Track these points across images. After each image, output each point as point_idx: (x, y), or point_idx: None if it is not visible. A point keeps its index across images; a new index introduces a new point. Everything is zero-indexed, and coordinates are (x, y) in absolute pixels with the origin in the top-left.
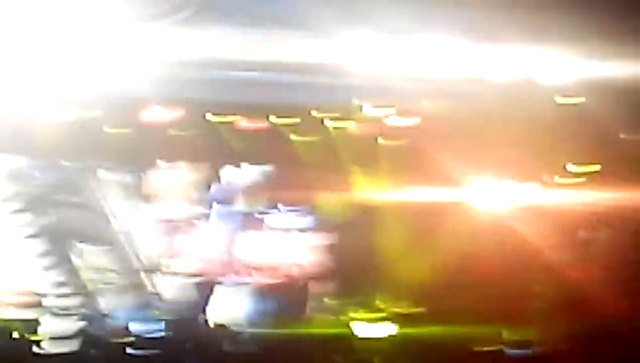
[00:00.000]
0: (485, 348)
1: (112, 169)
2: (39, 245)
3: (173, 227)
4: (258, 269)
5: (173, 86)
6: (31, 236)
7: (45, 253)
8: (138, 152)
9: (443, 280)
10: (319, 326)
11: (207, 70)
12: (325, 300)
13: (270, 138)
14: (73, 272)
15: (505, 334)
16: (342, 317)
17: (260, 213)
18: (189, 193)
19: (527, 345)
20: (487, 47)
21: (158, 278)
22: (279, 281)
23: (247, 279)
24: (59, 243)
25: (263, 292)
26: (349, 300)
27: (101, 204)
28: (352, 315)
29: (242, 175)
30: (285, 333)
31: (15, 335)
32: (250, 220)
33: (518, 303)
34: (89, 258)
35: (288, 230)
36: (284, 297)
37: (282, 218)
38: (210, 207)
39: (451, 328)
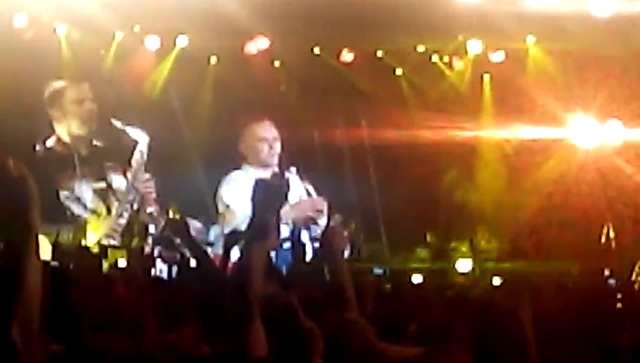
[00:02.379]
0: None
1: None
2: None
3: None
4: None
5: (281, 19)
6: None
7: None
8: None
9: (543, 218)
10: (423, 262)
11: (315, 4)
12: (428, 236)
13: (375, 72)
14: None
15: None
16: (443, 253)
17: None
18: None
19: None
20: None
21: None
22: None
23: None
24: None
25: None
26: (451, 237)
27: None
28: (453, 251)
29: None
30: (392, 268)
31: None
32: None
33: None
34: None
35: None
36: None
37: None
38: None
39: (552, 264)
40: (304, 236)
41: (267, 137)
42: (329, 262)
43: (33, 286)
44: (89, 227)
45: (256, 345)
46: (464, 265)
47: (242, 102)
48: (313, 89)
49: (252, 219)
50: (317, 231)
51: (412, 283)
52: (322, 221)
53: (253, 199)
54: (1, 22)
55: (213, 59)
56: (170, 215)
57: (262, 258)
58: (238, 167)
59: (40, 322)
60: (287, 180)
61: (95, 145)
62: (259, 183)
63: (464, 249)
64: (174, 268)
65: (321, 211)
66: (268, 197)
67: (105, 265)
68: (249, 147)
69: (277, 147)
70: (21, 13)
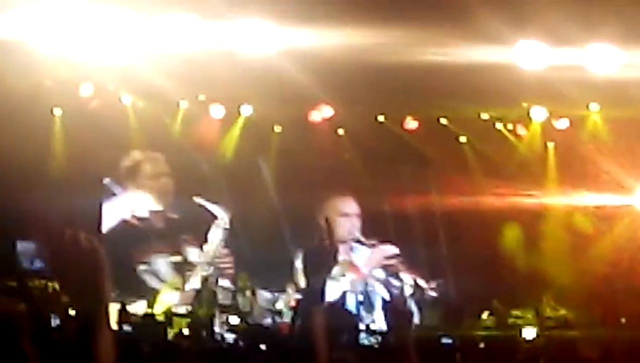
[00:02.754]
0: None
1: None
2: None
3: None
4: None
5: (344, 88)
6: None
7: None
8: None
9: (607, 287)
10: (489, 329)
11: (378, 73)
12: (495, 303)
13: (439, 140)
14: None
15: None
16: (509, 320)
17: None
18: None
19: None
20: None
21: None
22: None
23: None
24: None
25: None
26: (517, 304)
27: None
28: (518, 318)
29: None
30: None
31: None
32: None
33: None
34: None
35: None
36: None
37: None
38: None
39: (615, 334)
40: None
41: (349, 212)
42: (396, 331)
43: (105, 356)
44: (162, 299)
45: None
46: (529, 332)
47: (308, 172)
48: (377, 157)
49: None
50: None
51: (481, 350)
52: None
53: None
54: (68, 91)
55: (277, 128)
56: (240, 284)
57: (318, 321)
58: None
59: None
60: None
61: (171, 218)
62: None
63: (529, 316)
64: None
65: (392, 257)
66: (315, 263)
67: (170, 333)
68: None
69: (358, 223)
70: (87, 83)
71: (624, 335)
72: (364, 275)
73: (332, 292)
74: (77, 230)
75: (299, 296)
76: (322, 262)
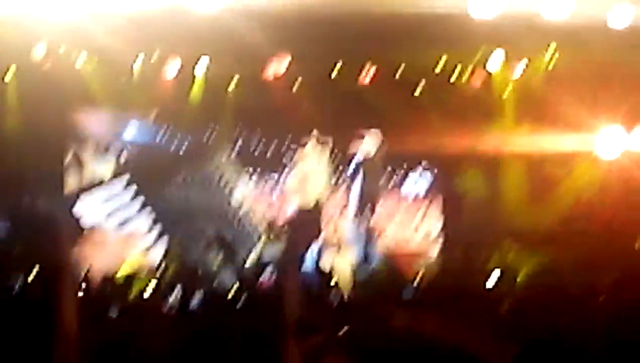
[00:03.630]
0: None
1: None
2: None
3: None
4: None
5: (297, 43)
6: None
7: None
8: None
9: (567, 229)
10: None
11: (332, 27)
12: (457, 250)
13: (395, 91)
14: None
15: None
16: (471, 266)
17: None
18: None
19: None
20: None
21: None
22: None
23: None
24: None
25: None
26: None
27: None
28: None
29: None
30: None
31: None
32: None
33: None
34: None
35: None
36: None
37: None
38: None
39: (573, 277)
40: None
41: None
42: None
43: (68, 318)
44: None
45: None
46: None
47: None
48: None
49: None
50: None
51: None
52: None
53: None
54: (21, 52)
55: (232, 85)
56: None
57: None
58: None
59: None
60: None
61: None
62: None
63: (491, 261)
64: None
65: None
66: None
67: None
68: None
69: None
70: (40, 44)
71: (583, 276)
72: None
73: None
74: (37, 195)
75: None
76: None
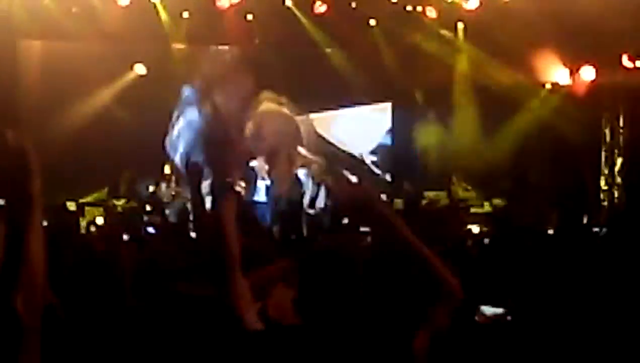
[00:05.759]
0: None
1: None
2: None
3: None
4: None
5: None
6: None
7: None
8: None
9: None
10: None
11: None
12: (405, 185)
13: (349, 23)
14: None
15: None
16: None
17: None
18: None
19: None
20: None
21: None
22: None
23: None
24: None
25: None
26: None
27: None
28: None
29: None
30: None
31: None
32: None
33: None
34: None
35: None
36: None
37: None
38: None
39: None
40: None
41: None
42: None
43: (37, 251)
44: None
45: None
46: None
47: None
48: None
49: None
50: None
51: None
52: None
53: None
54: None
55: (185, 14)
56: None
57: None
58: None
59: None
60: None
61: None
62: None
63: (442, 197)
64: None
65: None
66: None
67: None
68: None
69: None
70: None
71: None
72: None
73: None
74: (2, 129)
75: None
76: None
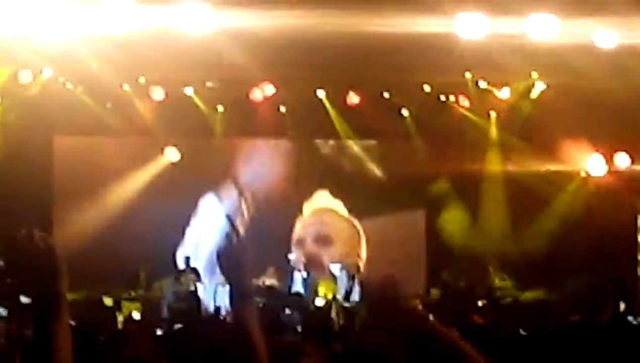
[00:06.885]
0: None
1: None
2: None
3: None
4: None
5: (283, 65)
6: None
7: None
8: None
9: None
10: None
11: (318, 49)
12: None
13: (382, 113)
14: None
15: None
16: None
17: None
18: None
19: None
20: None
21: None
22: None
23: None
24: None
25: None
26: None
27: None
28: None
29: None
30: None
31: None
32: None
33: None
34: None
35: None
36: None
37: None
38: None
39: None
40: None
41: None
42: None
43: (63, 349)
44: None
45: None
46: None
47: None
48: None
49: None
50: None
51: None
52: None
53: None
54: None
55: (220, 107)
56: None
57: None
58: None
59: None
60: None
61: None
62: None
63: (479, 287)
64: None
65: None
66: None
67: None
68: None
69: None
70: (25, 69)
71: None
72: None
73: None
74: (31, 230)
75: None
76: None
